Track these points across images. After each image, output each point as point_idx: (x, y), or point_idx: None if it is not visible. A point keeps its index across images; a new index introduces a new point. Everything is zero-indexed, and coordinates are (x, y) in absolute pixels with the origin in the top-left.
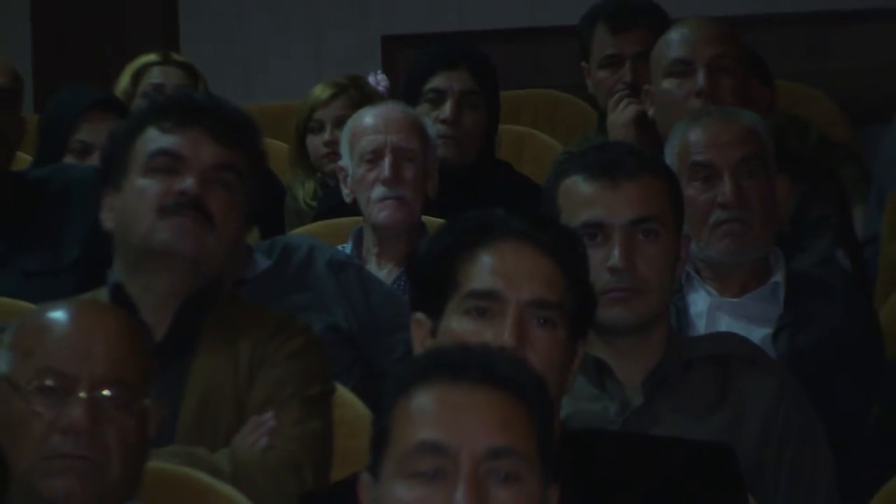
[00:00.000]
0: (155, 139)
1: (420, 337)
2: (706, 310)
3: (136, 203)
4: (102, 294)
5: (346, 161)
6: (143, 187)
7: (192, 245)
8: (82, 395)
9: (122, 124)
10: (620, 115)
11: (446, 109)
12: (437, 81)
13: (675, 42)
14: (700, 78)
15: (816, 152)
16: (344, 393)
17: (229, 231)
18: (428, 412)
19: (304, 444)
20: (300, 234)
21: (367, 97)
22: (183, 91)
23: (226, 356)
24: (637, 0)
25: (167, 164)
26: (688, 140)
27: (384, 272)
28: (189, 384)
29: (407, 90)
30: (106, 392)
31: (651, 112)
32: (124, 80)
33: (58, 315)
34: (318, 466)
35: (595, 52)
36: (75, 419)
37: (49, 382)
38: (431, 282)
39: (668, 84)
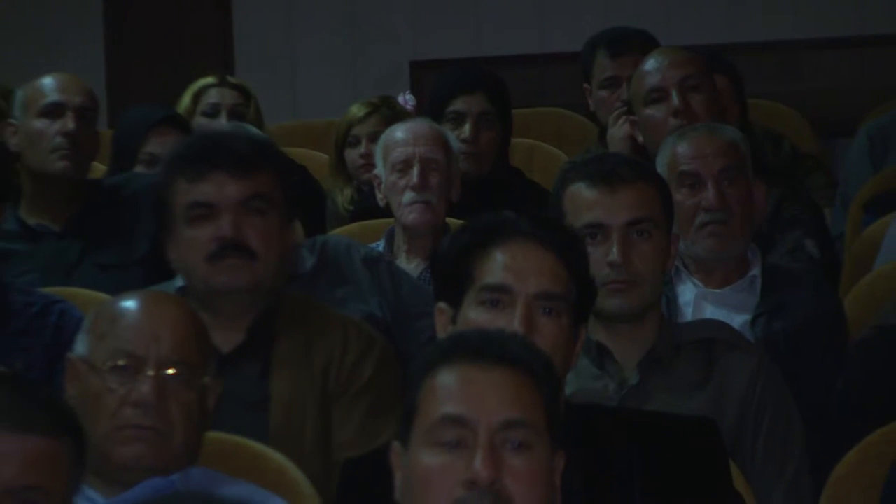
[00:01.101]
0: (185, 191)
1: (442, 324)
2: (693, 299)
3: (188, 254)
4: (169, 289)
5: (380, 170)
6: (190, 238)
7: (244, 279)
8: (150, 373)
9: (157, 179)
10: (619, 130)
11: (466, 130)
12: (458, 105)
13: (647, 74)
14: (674, 100)
15: (789, 162)
16: None
17: (272, 250)
18: (450, 389)
19: None
20: (339, 234)
21: (397, 115)
22: (197, 136)
23: (301, 369)
24: (632, 29)
25: (202, 213)
26: (676, 152)
27: (412, 266)
28: (273, 399)
29: (431, 110)
30: (171, 371)
31: (640, 138)
32: (186, 100)
33: (129, 304)
34: None
35: (596, 74)
36: (144, 394)
37: (121, 362)
38: (451, 276)
39: (648, 111)
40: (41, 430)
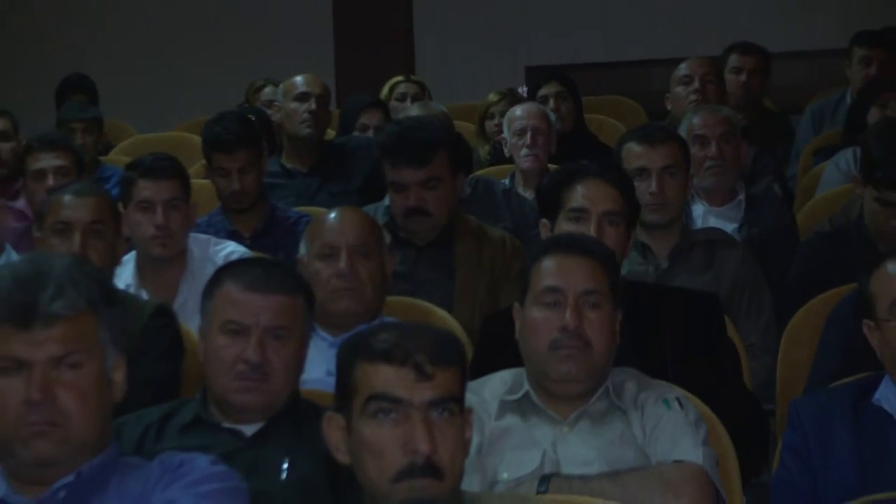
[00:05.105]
0: (388, 171)
1: (545, 232)
2: (702, 214)
3: (392, 209)
4: (380, 208)
5: (506, 134)
6: (392, 200)
7: (424, 230)
8: (344, 255)
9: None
10: None
11: (551, 104)
12: (543, 91)
13: (682, 68)
14: (696, 84)
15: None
16: None
17: (444, 210)
18: (550, 269)
19: None
20: (483, 174)
21: (517, 100)
22: (392, 130)
23: (474, 261)
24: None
25: (397, 189)
26: (692, 122)
27: (527, 194)
28: (457, 276)
29: (529, 96)
30: (357, 251)
31: (669, 106)
32: (385, 90)
33: (327, 216)
34: None
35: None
36: (342, 268)
37: (323, 251)
38: (549, 202)
39: (678, 90)
40: (284, 291)
